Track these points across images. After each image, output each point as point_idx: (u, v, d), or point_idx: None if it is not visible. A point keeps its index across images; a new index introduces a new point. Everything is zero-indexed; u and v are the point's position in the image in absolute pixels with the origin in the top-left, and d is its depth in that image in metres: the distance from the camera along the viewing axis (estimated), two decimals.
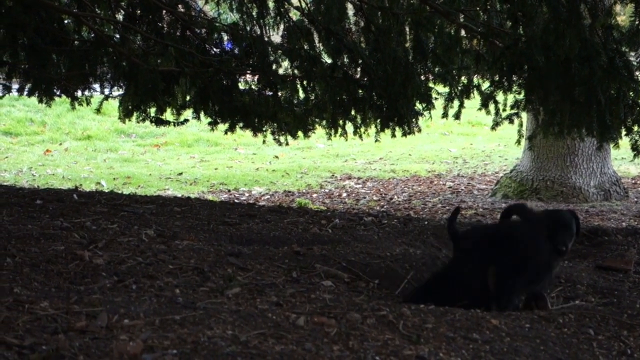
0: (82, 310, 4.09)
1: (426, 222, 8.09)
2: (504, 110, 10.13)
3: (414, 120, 9.77)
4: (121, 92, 9.76)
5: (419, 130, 10.02)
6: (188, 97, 9.65)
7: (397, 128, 9.88)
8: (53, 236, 5.96)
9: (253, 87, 9.66)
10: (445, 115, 10.14)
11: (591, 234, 7.54)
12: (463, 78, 9.92)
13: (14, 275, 4.77)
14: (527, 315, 4.72)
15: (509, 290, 5.14)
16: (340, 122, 10.08)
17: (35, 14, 8.52)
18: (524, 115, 10.40)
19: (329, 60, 9.43)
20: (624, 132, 8.63)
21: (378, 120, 9.82)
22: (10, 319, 3.85)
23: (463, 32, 9.20)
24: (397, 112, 9.45)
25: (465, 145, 20.90)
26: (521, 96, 9.24)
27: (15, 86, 9.91)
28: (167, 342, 3.73)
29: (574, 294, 5.54)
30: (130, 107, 9.78)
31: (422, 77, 9.47)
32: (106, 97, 10.04)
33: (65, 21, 9.29)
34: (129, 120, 10.06)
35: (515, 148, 12.85)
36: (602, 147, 8.76)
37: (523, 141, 11.37)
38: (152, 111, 9.79)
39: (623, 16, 12.40)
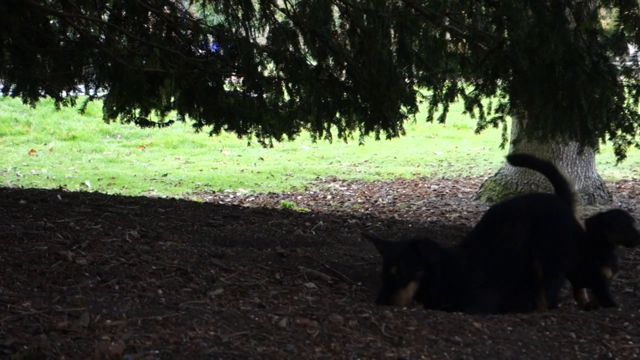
0: (64, 310, 4.08)
1: (410, 225, 8.11)
2: (489, 113, 10.14)
3: (398, 123, 9.77)
4: (106, 92, 9.75)
5: (403, 133, 10.03)
6: (173, 99, 9.65)
7: (381, 131, 9.87)
8: (36, 236, 5.95)
9: (238, 88, 9.67)
10: (430, 118, 10.13)
11: None
12: (447, 81, 9.92)
13: None
14: (509, 318, 4.73)
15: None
16: (325, 124, 10.07)
17: (20, 13, 8.49)
18: (508, 119, 10.41)
19: (314, 63, 9.43)
20: (607, 137, 8.66)
21: (362, 123, 9.82)
22: None
23: (448, 36, 9.21)
24: (382, 114, 9.45)
25: (451, 148, 20.92)
26: (506, 100, 9.25)
27: None
28: (149, 342, 3.72)
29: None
30: (114, 107, 9.77)
31: (407, 80, 9.48)
32: (91, 98, 10.02)
33: (51, 21, 9.27)
34: (114, 121, 10.04)
35: (500, 151, 12.87)
36: (583, 152, 8.78)
37: (508, 145, 11.39)
38: (137, 112, 9.78)
39: (608, 19, 12.43)
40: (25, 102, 9.89)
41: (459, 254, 5.36)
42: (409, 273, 5.06)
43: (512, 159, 6.75)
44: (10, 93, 9.75)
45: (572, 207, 5.59)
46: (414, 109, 9.70)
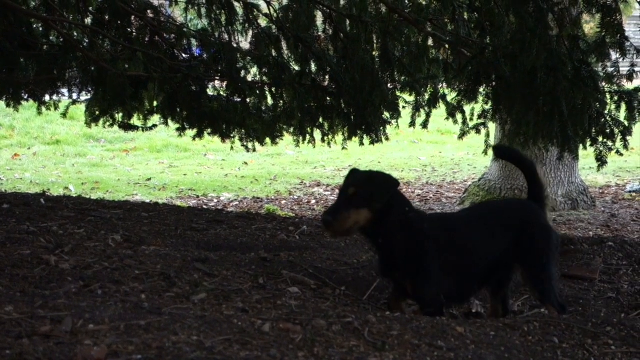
0: (47, 314, 4.07)
1: None
2: (471, 119, 10.16)
3: (381, 128, 9.80)
4: (89, 97, 9.74)
5: (387, 139, 10.06)
6: (156, 103, 9.65)
7: (365, 136, 9.90)
8: (19, 240, 5.93)
9: (222, 93, 9.68)
10: (412, 124, 10.16)
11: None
12: (430, 87, 9.95)
13: None
14: (492, 323, 4.74)
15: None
16: (309, 129, 10.09)
17: (3, 17, 8.48)
18: (491, 125, 10.44)
19: (297, 68, 9.45)
20: (589, 143, 8.69)
21: (346, 128, 9.84)
22: None
23: (431, 42, 9.24)
24: (365, 120, 9.48)
25: (435, 153, 20.98)
26: (488, 106, 9.27)
27: None
28: (132, 347, 3.72)
29: (539, 302, 5.56)
30: (97, 112, 9.77)
31: (390, 86, 9.50)
32: (74, 102, 10.02)
33: (34, 25, 9.25)
34: (96, 125, 10.04)
35: (483, 157, 12.90)
36: (563, 158, 8.81)
37: (490, 150, 11.43)
38: (120, 116, 9.78)
39: (592, 24, 12.47)
40: (8, 105, 9.88)
41: (431, 225, 5.30)
42: (366, 198, 4.97)
43: (497, 150, 6.75)
44: None
45: (544, 212, 5.62)
46: (396, 114, 9.74)
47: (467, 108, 9.96)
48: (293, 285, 5.54)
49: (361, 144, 10.18)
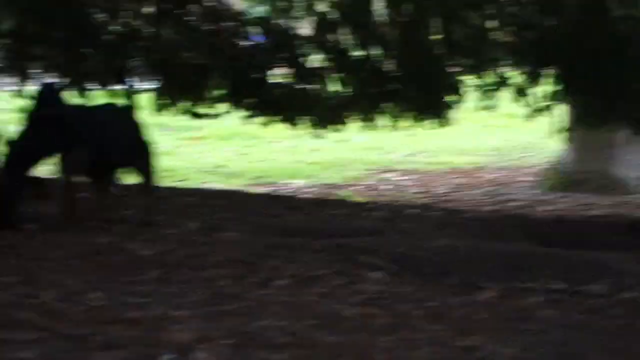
0: (133, 301, 4.11)
1: (470, 214, 8.06)
2: (540, 102, 10.03)
3: (447, 112, 9.73)
4: (153, 86, 9.81)
5: (455, 123, 9.98)
6: (221, 91, 9.68)
7: (431, 120, 9.85)
8: (100, 228, 6.00)
9: (285, 80, 9.68)
10: (479, 108, 10.06)
11: (636, 226, 7.50)
12: (496, 70, 9.85)
13: (64, 267, 4.80)
14: (579, 307, 4.68)
15: None
16: (375, 114, 10.05)
17: (67, 7, 8.57)
18: (563, 106, 10.30)
19: (358, 53, 9.41)
20: None
21: (412, 113, 9.79)
22: (63, 309, 3.87)
23: (494, 24, 9.15)
24: (431, 104, 9.43)
25: (504, 137, 20.78)
26: (555, 88, 9.14)
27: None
28: (218, 332, 3.73)
29: (623, 285, 5.48)
30: (163, 101, 9.83)
31: (454, 69, 9.43)
32: (139, 91, 10.08)
33: (97, 15, 9.33)
34: (162, 114, 10.10)
35: (555, 140, 12.77)
36: (630, 140, 8.65)
37: (562, 133, 11.26)
38: (186, 105, 9.83)
39: None
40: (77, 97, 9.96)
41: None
42: None
43: None
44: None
45: None
46: (461, 98, 9.66)
47: (534, 90, 9.83)
48: (372, 270, 5.52)
49: (429, 128, 10.12)
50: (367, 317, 4.17)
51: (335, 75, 9.45)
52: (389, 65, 9.37)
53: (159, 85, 9.69)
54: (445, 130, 10.14)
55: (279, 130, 17.94)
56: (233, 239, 6.02)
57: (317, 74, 9.42)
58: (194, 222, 6.57)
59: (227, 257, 5.37)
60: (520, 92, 9.72)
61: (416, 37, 8.92)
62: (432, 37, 9.10)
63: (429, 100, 9.34)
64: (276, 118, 9.83)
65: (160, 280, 4.70)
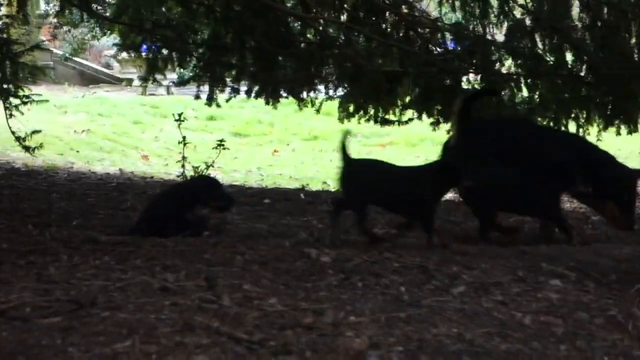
0: (309, 307, 4.16)
1: None
2: None
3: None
4: (342, 93, 9.91)
5: None
6: (410, 98, 9.69)
7: (622, 126, 9.61)
8: (281, 234, 6.11)
9: (475, 86, 9.61)
10: None
11: None
12: None
13: (243, 272, 4.90)
14: None
15: None
16: (563, 120, 9.87)
17: (263, 17, 8.75)
18: None
19: (552, 58, 9.26)
20: None
21: (601, 119, 9.58)
22: (240, 314, 3.95)
23: None
24: (623, 110, 9.20)
25: None
26: None
27: (243, 88, 10.19)
28: (393, 339, 3.75)
29: None
30: (350, 107, 9.91)
31: None
32: (329, 98, 10.21)
33: (291, 24, 9.50)
34: (348, 121, 10.18)
35: None
36: None
37: None
38: (374, 112, 9.87)
39: None
40: (267, 103, 10.18)
41: None
42: None
43: None
44: (253, 95, 10.04)
45: None
46: None
47: None
48: (553, 278, 5.42)
49: (618, 134, 9.86)
50: (544, 325, 4.11)
51: (528, 80, 9.34)
52: (583, 71, 9.21)
53: (345, 93, 9.79)
54: (634, 136, 9.86)
55: None
56: (413, 245, 6.03)
57: (508, 80, 9.33)
58: (375, 229, 6.61)
59: (407, 263, 5.37)
60: None
61: (613, 41, 8.71)
62: (629, 42, 8.90)
63: (622, 106, 9.12)
64: None
65: (338, 286, 4.74)
